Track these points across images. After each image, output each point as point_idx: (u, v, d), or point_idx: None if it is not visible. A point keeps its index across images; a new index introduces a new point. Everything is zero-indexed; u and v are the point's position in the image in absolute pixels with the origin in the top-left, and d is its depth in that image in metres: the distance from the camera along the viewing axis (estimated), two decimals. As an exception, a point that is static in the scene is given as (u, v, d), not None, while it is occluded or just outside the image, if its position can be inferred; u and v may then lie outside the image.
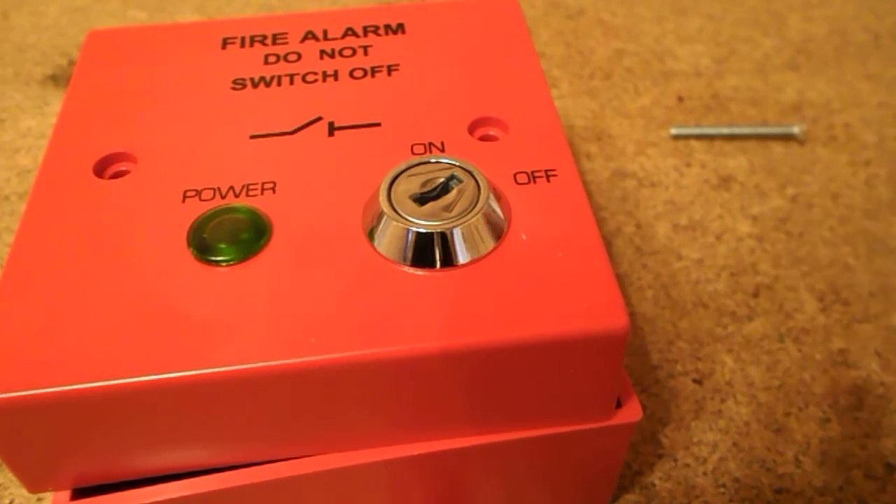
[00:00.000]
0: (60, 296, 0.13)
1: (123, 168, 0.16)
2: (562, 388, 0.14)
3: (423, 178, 0.14)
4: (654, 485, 0.19)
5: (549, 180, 0.15)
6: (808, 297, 0.23)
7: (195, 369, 0.13)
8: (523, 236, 0.14)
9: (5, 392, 0.12)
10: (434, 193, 0.14)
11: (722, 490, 0.18)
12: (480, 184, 0.14)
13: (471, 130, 0.16)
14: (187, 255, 0.14)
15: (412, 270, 0.14)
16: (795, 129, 0.27)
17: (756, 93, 0.30)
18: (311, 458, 0.14)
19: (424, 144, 0.16)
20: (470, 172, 0.15)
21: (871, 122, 0.29)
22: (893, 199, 0.26)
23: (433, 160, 0.15)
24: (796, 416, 0.20)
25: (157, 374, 0.12)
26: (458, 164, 0.15)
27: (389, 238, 0.14)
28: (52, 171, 0.16)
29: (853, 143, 0.28)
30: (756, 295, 0.23)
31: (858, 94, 0.30)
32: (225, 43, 0.19)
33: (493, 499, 0.17)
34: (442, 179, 0.14)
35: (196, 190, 0.15)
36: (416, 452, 0.14)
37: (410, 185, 0.14)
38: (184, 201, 0.15)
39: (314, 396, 0.13)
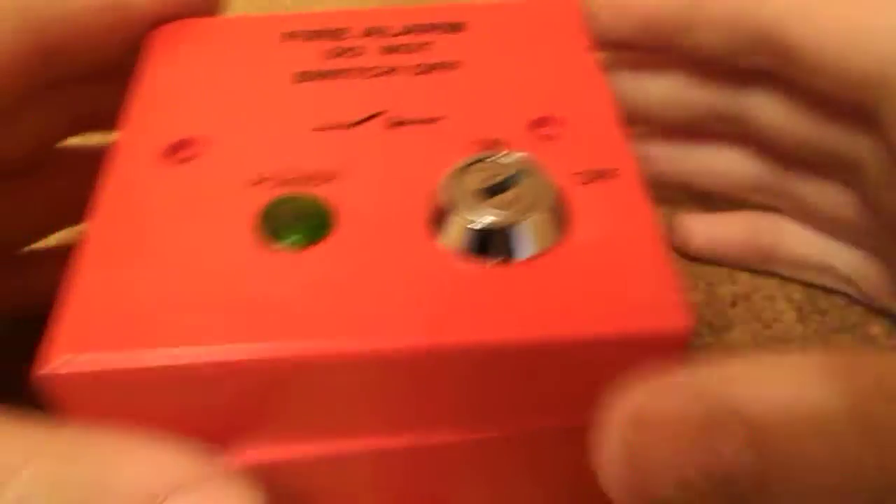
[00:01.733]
0: (134, 270, 0.14)
1: (191, 154, 0.16)
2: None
3: (486, 174, 0.15)
4: None
5: (610, 180, 0.15)
6: (786, 306, 0.23)
7: (256, 342, 0.13)
8: (585, 234, 0.14)
9: (82, 355, 0.13)
10: (497, 188, 0.14)
11: None
12: (544, 181, 0.14)
13: (531, 129, 0.17)
14: (255, 238, 0.14)
15: (473, 264, 0.14)
16: None
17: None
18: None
19: (485, 141, 0.16)
20: (534, 169, 0.15)
21: None
22: None
23: (497, 156, 0.15)
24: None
25: (220, 346, 0.13)
26: (522, 160, 0.15)
27: (452, 231, 0.14)
28: (124, 151, 0.16)
29: None
30: (734, 305, 0.22)
31: None
32: (287, 37, 0.19)
33: (526, 491, 0.17)
34: (506, 175, 0.15)
35: (262, 178, 0.16)
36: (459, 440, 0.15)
37: (474, 179, 0.15)
38: (250, 187, 0.15)
39: (369, 383, 0.14)
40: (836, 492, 0.12)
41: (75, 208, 0.22)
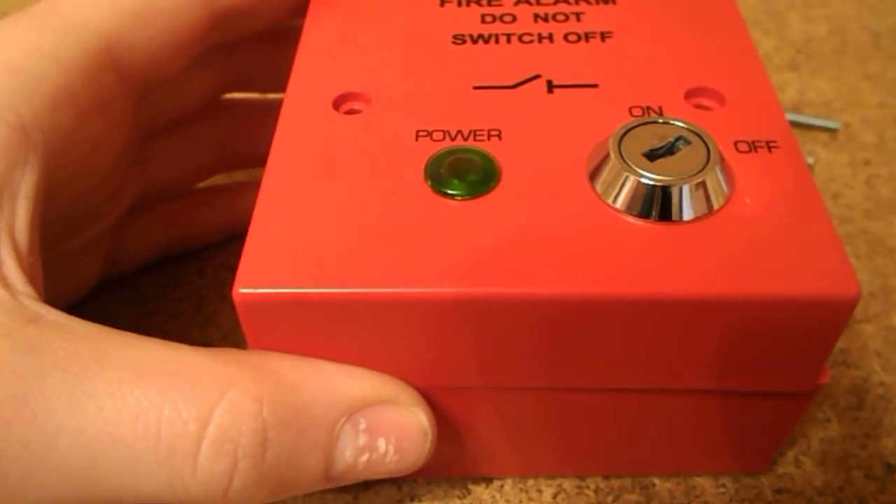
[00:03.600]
0: (309, 211, 0.15)
1: (358, 106, 0.17)
2: (775, 349, 0.14)
3: (651, 136, 0.15)
4: (653, 484, 0.19)
5: (770, 151, 0.15)
6: None
7: (426, 287, 0.14)
8: (748, 200, 0.15)
9: (267, 288, 0.14)
10: (662, 151, 0.15)
11: (722, 490, 0.18)
12: (710, 146, 0.15)
13: (687, 98, 0.17)
14: (424, 187, 0.15)
15: (638, 221, 0.14)
16: (810, 161, 0.27)
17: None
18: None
19: (643, 107, 0.17)
20: (699, 135, 0.15)
21: (871, 122, 0.28)
22: (893, 199, 0.26)
23: (661, 120, 0.15)
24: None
25: (392, 288, 0.14)
26: (686, 125, 0.15)
27: (617, 188, 0.15)
28: (296, 101, 0.17)
29: (853, 143, 0.28)
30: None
31: (858, 94, 0.30)
32: (443, 2, 0.20)
33: (658, 436, 0.17)
34: (670, 139, 0.15)
35: (427, 131, 0.16)
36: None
37: (639, 141, 0.15)
38: (416, 140, 0.16)
39: (533, 328, 0.14)
40: None
41: (230, 154, 0.23)
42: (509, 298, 0.14)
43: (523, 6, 0.20)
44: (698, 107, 0.17)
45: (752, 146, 0.16)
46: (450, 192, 0.15)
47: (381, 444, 0.15)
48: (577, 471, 0.19)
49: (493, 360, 0.15)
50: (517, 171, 0.15)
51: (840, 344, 0.21)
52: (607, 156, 0.15)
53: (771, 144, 0.16)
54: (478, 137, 0.16)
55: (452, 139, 0.16)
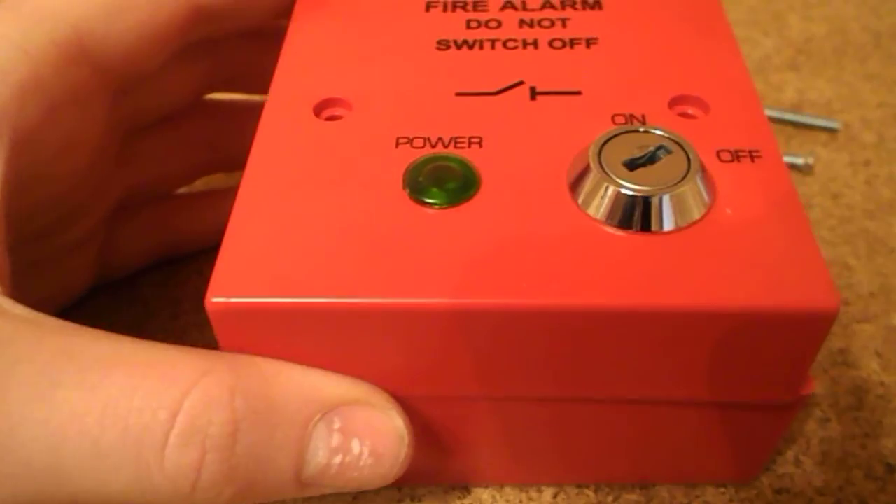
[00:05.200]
0: (285, 219, 0.15)
1: (339, 112, 0.17)
2: (756, 361, 0.14)
3: (631, 145, 0.15)
4: (654, 485, 0.18)
5: (753, 160, 0.15)
6: None
7: (401, 297, 0.13)
8: (728, 210, 0.14)
9: (237, 297, 0.14)
10: (643, 160, 0.15)
11: (722, 490, 0.18)
12: (690, 155, 0.15)
13: (670, 106, 0.17)
14: (402, 195, 0.15)
15: (617, 231, 0.14)
16: (800, 161, 0.27)
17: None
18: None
19: (625, 115, 0.16)
20: (679, 144, 0.15)
21: (871, 122, 0.28)
22: (893, 199, 0.26)
23: (642, 129, 0.15)
24: (796, 416, 0.19)
25: (366, 298, 0.13)
26: (667, 135, 0.15)
27: (597, 198, 0.14)
28: (276, 107, 0.17)
29: (853, 144, 0.28)
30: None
31: (858, 94, 0.30)
32: (428, 7, 0.20)
33: (644, 450, 0.17)
34: (651, 148, 0.15)
35: (408, 138, 0.16)
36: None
37: (619, 150, 0.15)
38: (396, 147, 0.16)
39: (506, 339, 0.14)
40: None
41: (215, 156, 0.23)
42: (484, 309, 0.13)
43: (509, 12, 0.20)
44: (682, 115, 0.17)
45: (735, 155, 0.15)
46: (428, 200, 0.15)
47: (356, 446, 0.14)
48: (561, 480, 0.18)
49: (470, 370, 0.15)
50: (497, 180, 0.15)
51: (840, 344, 0.21)
52: (587, 165, 0.15)
53: (754, 154, 0.15)
54: (458, 144, 0.16)
55: (433, 146, 0.16)
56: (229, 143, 0.23)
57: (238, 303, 0.13)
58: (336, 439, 0.14)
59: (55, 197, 0.18)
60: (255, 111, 0.17)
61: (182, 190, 0.24)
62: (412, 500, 0.18)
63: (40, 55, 0.16)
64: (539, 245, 0.14)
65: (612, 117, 0.16)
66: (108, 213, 0.21)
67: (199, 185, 0.25)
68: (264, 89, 0.18)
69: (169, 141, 0.22)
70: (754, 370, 0.14)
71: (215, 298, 0.13)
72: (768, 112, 0.27)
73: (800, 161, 0.26)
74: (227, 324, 0.14)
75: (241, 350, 0.14)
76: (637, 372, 0.14)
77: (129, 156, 0.21)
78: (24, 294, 0.15)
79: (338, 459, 0.14)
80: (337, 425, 0.14)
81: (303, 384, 0.14)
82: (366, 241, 0.14)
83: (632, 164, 0.15)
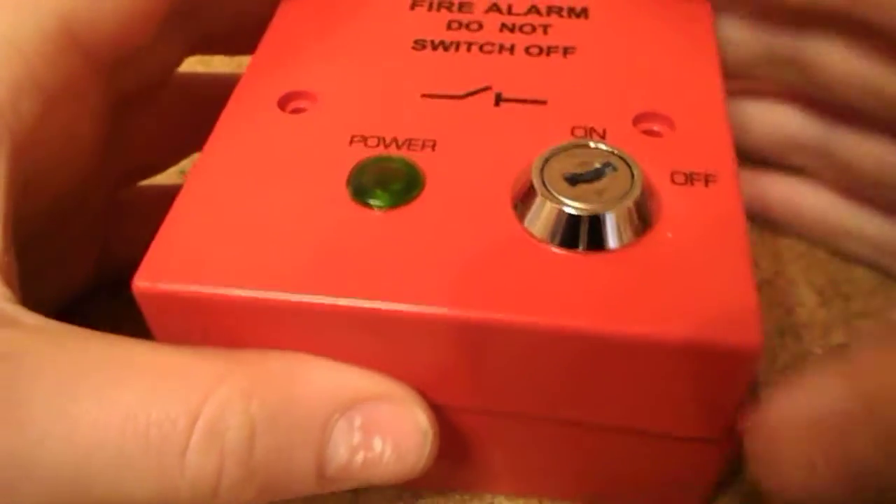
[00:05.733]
0: (227, 211, 0.15)
1: (303, 105, 0.17)
2: (676, 393, 0.14)
3: (577, 160, 0.15)
4: None
5: (707, 185, 0.15)
6: (808, 291, 0.22)
7: (333, 297, 0.13)
8: (669, 234, 0.14)
9: (168, 283, 0.14)
10: (587, 177, 0.14)
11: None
12: (634, 173, 0.14)
13: (635, 122, 0.16)
14: (345, 194, 0.15)
15: (550, 247, 0.14)
16: None
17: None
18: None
19: (585, 129, 0.16)
20: (626, 161, 0.14)
21: None
22: None
23: (591, 144, 0.15)
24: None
25: (297, 295, 0.14)
26: (614, 151, 0.15)
27: (535, 213, 0.14)
28: (242, 96, 0.17)
29: None
30: (757, 290, 0.22)
31: None
32: (414, 4, 0.20)
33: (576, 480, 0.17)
34: (597, 164, 0.14)
35: (363, 136, 0.16)
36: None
37: (564, 165, 0.15)
38: (350, 144, 0.16)
39: (435, 346, 0.14)
40: None
41: (192, 136, 0.23)
42: (403, 315, 0.13)
43: (493, 14, 0.19)
44: (646, 132, 0.16)
45: (689, 178, 0.15)
46: (368, 201, 0.15)
47: (378, 444, 0.14)
48: (503, 490, 0.18)
49: (406, 374, 0.15)
50: (441, 186, 0.15)
51: (840, 338, 0.21)
52: (528, 179, 0.14)
53: (709, 178, 0.15)
54: (412, 146, 0.16)
55: (386, 146, 0.16)
56: (214, 120, 0.23)
57: (162, 289, 0.14)
58: (357, 437, 0.14)
59: (56, 193, 0.18)
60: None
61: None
62: (413, 497, 0.18)
63: (31, 49, 0.15)
64: (473, 256, 0.14)
65: (572, 130, 0.16)
66: (105, 203, 0.21)
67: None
68: (248, 49, 0.17)
69: (159, 118, 0.22)
70: (675, 402, 0.14)
71: (140, 283, 0.14)
72: None
73: None
74: (151, 309, 0.14)
75: (167, 336, 0.14)
76: (561, 391, 0.14)
77: (119, 135, 0.21)
78: (27, 295, 0.15)
79: (360, 457, 0.14)
80: (358, 422, 0.14)
81: (322, 382, 0.14)
82: (303, 239, 0.14)
83: (574, 180, 0.14)
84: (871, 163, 0.20)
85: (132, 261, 0.23)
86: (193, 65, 0.22)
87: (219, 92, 0.23)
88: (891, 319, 0.21)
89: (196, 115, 0.23)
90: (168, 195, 0.24)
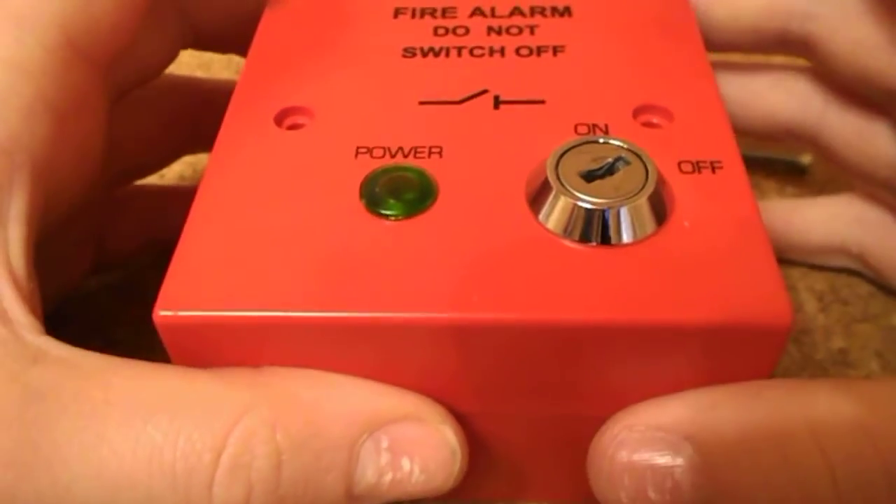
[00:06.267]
0: (240, 232, 0.15)
1: (300, 121, 0.17)
2: (710, 377, 0.14)
3: (590, 157, 0.15)
4: None
5: (714, 172, 0.15)
6: (807, 296, 0.23)
7: (362, 311, 0.13)
8: (686, 223, 0.14)
9: (190, 310, 0.13)
10: (601, 172, 0.15)
11: None
12: (648, 167, 0.14)
13: (635, 115, 0.17)
14: (359, 206, 0.15)
15: (572, 244, 0.14)
16: (797, 161, 0.26)
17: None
18: None
19: (588, 125, 0.16)
20: (638, 155, 0.15)
21: None
22: None
23: (601, 140, 0.15)
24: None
25: (320, 312, 0.13)
26: (626, 146, 0.15)
27: (553, 210, 0.14)
28: (237, 115, 0.17)
29: None
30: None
31: None
32: (397, 13, 0.20)
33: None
34: (610, 159, 0.15)
35: (367, 148, 0.16)
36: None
37: (577, 161, 0.15)
38: (356, 157, 0.16)
39: (461, 353, 0.14)
40: None
41: (195, 133, 0.23)
42: (434, 323, 0.13)
43: (478, 18, 0.19)
44: (646, 124, 0.16)
45: (696, 166, 0.15)
46: (384, 211, 0.15)
47: (406, 464, 0.14)
48: (524, 496, 0.18)
49: (433, 385, 0.14)
50: (455, 191, 0.15)
51: (840, 343, 0.21)
52: (544, 177, 0.15)
53: (715, 165, 0.15)
54: (418, 155, 0.16)
55: (393, 156, 0.16)
56: (208, 121, 0.22)
57: (185, 317, 0.13)
58: (385, 458, 0.14)
59: (68, 205, 0.18)
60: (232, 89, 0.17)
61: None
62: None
63: (38, 69, 0.15)
64: (494, 258, 0.14)
65: (575, 127, 0.16)
66: (102, 203, 0.21)
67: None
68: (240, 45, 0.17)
69: (149, 119, 0.22)
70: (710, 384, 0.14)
71: (163, 312, 0.13)
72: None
73: (796, 161, 0.26)
74: (176, 338, 0.14)
75: (195, 364, 0.14)
76: (591, 388, 0.14)
77: (114, 133, 0.20)
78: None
79: (388, 478, 0.14)
80: (385, 444, 0.14)
81: (347, 405, 0.14)
82: (320, 255, 0.14)
83: (589, 176, 0.14)
84: (870, 142, 0.21)
85: (126, 255, 0.22)
86: (194, 69, 0.21)
87: (210, 95, 0.23)
88: (891, 325, 0.22)
89: (188, 116, 0.22)
90: (161, 193, 0.23)
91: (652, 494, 0.13)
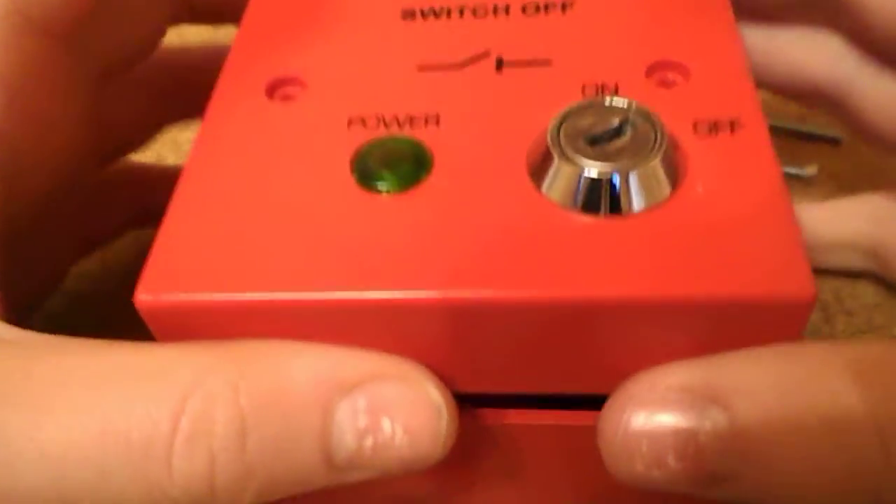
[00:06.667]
0: (227, 211, 0.14)
1: (292, 92, 0.16)
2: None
3: (594, 120, 0.14)
4: None
5: (733, 132, 0.14)
6: None
7: (354, 291, 0.13)
8: (700, 189, 0.13)
9: (172, 294, 0.13)
10: (606, 136, 0.13)
11: None
12: (657, 129, 0.13)
13: (648, 74, 0.15)
14: (350, 181, 0.14)
15: (575, 214, 0.13)
16: (803, 172, 0.26)
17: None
18: None
19: (597, 86, 0.15)
20: (646, 116, 0.14)
21: None
22: None
23: (607, 102, 0.14)
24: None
25: (311, 293, 0.13)
26: (633, 106, 0.14)
27: (556, 179, 0.13)
28: (227, 88, 0.16)
29: (857, 154, 0.27)
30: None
31: None
32: (396, -27, 0.19)
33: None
34: (616, 122, 0.14)
35: (361, 118, 0.15)
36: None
37: (581, 125, 0.14)
38: (349, 127, 0.15)
39: (463, 334, 0.13)
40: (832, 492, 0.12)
41: (167, 110, 0.22)
42: (434, 303, 0.13)
43: (481, -24, 0.18)
44: (660, 83, 0.15)
45: (713, 127, 0.14)
46: (377, 185, 0.14)
47: (387, 425, 0.13)
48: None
49: (432, 366, 0.14)
50: (452, 162, 0.14)
51: None
52: (545, 145, 0.13)
53: (734, 124, 0.14)
54: (414, 124, 0.15)
55: (387, 126, 0.15)
56: (193, 90, 0.22)
57: (166, 300, 0.13)
58: (363, 420, 0.13)
59: (44, 184, 0.17)
60: (221, 56, 0.16)
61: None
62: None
63: None
64: (494, 233, 0.13)
65: (583, 88, 0.15)
66: (91, 184, 0.20)
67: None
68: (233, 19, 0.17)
69: (137, 96, 0.21)
70: None
71: (143, 296, 0.13)
72: (772, 123, 0.25)
73: (802, 172, 0.26)
74: (157, 322, 0.13)
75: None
76: (605, 366, 0.13)
77: (102, 114, 0.19)
78: (21, 291, 0.14)
79: (369, 441, 0.13)
80: (362, 404, 0.13)
81: (318, 365, 0.13)
82: (309, 233, 0.13)
83: (594, 141, 0.13)
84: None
85: (114, 235, 0.22)
86: (170, 37, 0.21)
87: (195, 63, 0.22)
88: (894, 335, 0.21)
89: (177, 89, 0.22)
90: (148, 170, 0.23)
91: (672, 462, 0.12)
